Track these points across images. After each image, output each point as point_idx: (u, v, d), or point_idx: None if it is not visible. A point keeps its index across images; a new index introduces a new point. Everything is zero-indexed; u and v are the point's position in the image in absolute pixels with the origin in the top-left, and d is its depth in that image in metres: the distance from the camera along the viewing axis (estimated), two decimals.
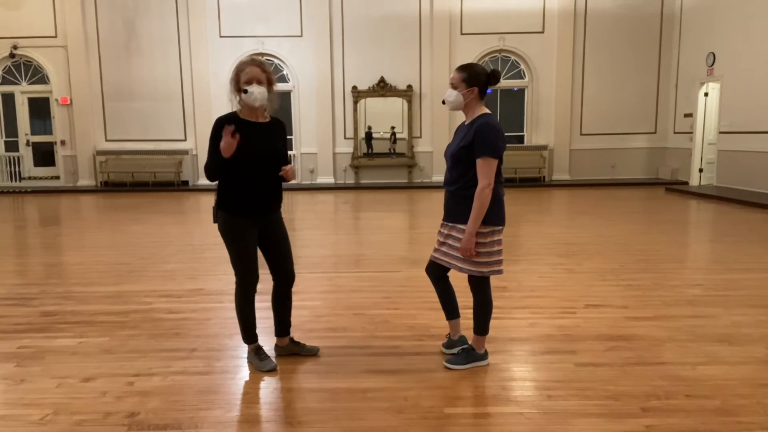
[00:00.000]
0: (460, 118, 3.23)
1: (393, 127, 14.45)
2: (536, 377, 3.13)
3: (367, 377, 3.10)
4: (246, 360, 3.33)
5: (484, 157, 2.94)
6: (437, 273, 3.31)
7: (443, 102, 3.18)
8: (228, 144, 2.90)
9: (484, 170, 2.95)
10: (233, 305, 4.34)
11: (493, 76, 3.06)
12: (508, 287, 4.83)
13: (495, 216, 3.03)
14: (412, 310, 4.22)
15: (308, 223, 9.02)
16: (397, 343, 3.58)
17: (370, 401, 2.83)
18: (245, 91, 3.00)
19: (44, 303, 4.54)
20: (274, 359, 3.30)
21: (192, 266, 5.80)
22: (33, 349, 3.54)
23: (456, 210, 3.09)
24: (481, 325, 3.21)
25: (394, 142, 14.53)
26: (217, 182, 3.13)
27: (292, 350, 3.40)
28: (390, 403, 2.80)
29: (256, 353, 3.27)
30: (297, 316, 4.02)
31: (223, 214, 3.11)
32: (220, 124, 3.02)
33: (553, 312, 4.18)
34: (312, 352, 3.42)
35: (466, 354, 3.24)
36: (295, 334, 3.64)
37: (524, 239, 7.35)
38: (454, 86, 3.08)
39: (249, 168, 3.04)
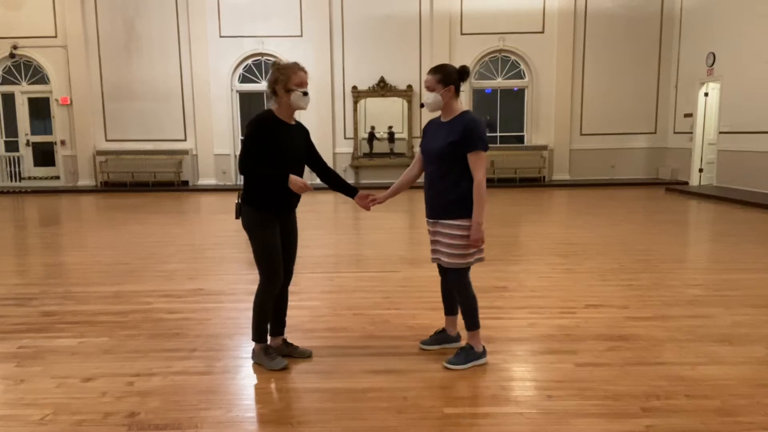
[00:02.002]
0: None
1: (390, 127, 14.46)
2: (536, 377, 3.13)
3: (367, 377, 3.10)
4: (250, 360, 3.32)
5: (476, 151, 3.05)
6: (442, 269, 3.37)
7: (422, 105, 3.28)
8: (301, 190, 3.07)
9: (478, 163, 3.06)
10: (233, 305, 4.35)
11: (464, 72, 3.15)
12: (508, 287, 4.83)
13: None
14: (412, 310, 4.22)
15: (308, 223, 9.01)
16: (397, 343, 3.58)
17: (370, 401, 2.83)
18: (305, 93, 3.13)
19: (44, 303, 4.54)
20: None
21: (192, 266, 5.80)
22: (33, 349, 3.54)
23: (442, 205, 3.13)
24: (471, 320, 3.24)
25: (392, 141, 14.53)
26: (243, 179, 3.18)
27: (284, 351, 3.38)
28: (390, 403, 2.80)
29: (266, 352, 3.27)
30: (297, 316, 4.03)
31: (252, 210, 3.14)
32: (260, 123, 3.10)
33: (553, 312, 4.18)
34: (304, 355, 3.40)
35: (464, 353, 3.25)
36: (296, 334, 3.65)
37: (524, 239, 7.35)
38: (430, 89, 3.15)
39: (287, 166, 3.11)
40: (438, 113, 3.23)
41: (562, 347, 3.50)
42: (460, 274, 3.20)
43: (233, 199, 3.27)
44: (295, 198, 3.23)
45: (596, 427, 2.56)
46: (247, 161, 3.08)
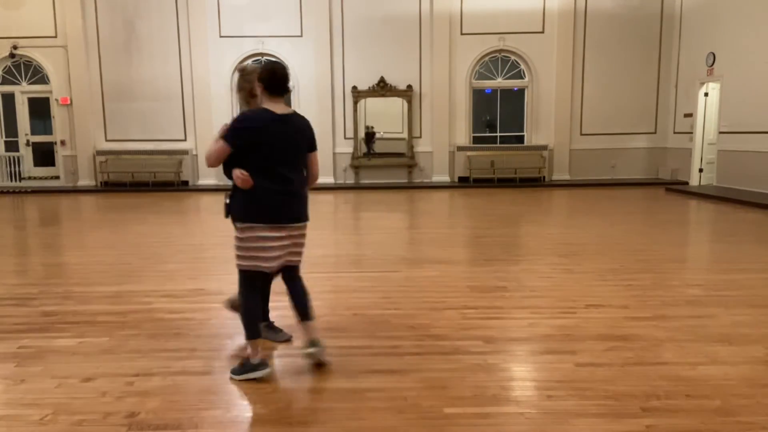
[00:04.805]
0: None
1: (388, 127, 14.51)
2: (536, 377, 3.13)
3: (367, 377, 3.10)
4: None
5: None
6: (291, 273, 3.28)
7: None
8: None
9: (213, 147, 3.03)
10: None
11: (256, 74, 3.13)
12: (508, 287, 4.83)
13: (245, 212, 3.03)
14: (412, 310, 4.21)
15: (308, 223, 8.99)
16: (397, 343, 3.58)
17: (370, 401, 2.83)
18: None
19: (44, 303, 4.54)
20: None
21: (192, 266, 5.80)
22: (33, 349, 3.54)
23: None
24: (244, 328, 3.10)
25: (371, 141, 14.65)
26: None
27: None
28: (390, 403, 2.80)
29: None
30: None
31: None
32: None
33: (553, 312, 4.18)
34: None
35: (242, 365, 3.10)
36: (295, 334, 3.65)
37: (524, 239, 7.35)
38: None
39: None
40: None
41: (562, 347, 3.50)
42: (240, 278, 3.13)
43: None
44: None
45: (596, 427, 2.56)
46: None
